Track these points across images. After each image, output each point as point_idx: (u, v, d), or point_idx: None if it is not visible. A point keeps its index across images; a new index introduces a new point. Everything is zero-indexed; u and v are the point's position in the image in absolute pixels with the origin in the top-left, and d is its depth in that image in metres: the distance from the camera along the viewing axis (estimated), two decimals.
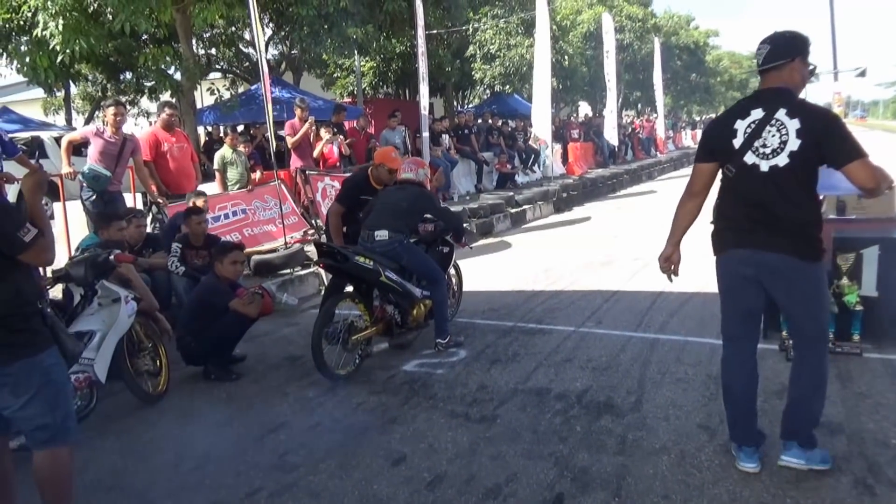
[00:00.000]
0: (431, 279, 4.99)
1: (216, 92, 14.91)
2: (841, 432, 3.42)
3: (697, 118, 43.33)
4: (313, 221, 8.86)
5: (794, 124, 2.75)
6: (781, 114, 2.78)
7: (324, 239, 7.64)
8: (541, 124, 14.98)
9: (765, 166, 2.80)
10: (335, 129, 10.93)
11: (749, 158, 2.85)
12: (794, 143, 2.74)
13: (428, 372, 4.60)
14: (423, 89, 11.52)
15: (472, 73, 20.60)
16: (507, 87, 20.54)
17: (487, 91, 23.03)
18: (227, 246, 5.10)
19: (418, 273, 5.02)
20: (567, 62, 20.64)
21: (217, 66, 17.45)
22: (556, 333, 5.29)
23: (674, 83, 33.35)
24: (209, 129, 16.60)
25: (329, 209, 5.70)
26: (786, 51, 2.88)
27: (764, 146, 2.81)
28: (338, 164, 10.50)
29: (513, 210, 11.76)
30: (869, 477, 3.01)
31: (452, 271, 5.75)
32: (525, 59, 19.63)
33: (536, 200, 12.62)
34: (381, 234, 4.81)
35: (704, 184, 3.03)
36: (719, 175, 3.02)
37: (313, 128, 9.74)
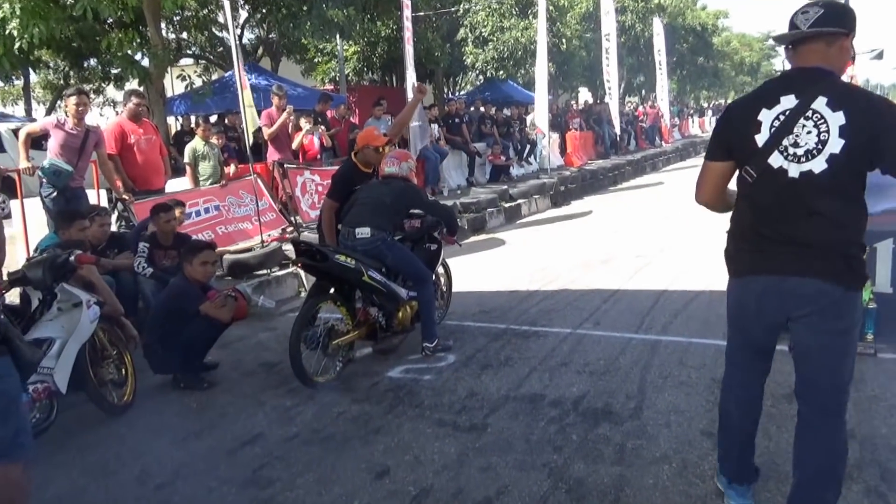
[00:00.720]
0: (418, 279, 4.99)
1: (187, 79, 14.85)
2: (853, 438, 3.42)
3: (705, 104, 43.57)
4: (292, 218, 8.86)
5: (836, 119, 2.28)
6: (821, 104, 2.31)
7: (303, 236, 7.67)
8: (538, 112, 15.01)
9: (794, 171, 2.35)
10: (318, 119, 10.93)
11: (775, 160, 2.38)
12: (835, 144, 2.27)
13: (414, 378, 4.61)
14: (411, 76, 11.50)
15: (464, 57, 20.66)
16: (501, 72, 20.61)
17: (480, 77, 23.08)
18: (196, 245, 5.09)
19: (403, 273, 5.03)
20: (564, 46, 20.69)
21: (188, 52, 17.40)
22: (552, 336, 5.31)
23: (680, 67, 33.51)
24: (179, 119, 16.54)
25: (322, 205, 5.70)
26: (843, 20, 2.38)
27: (795, 145, 2.35)
28: (319, 156, 10.51)
29: (507, 205, 11.79)
30: (882, 485, 3.04)
31: (441, 270, 5.76)
32: (520, 43, 19.69)
33: (532, 194, 12.64)
34: (363, 232, 4.81)
35: (714, 187, 2.61)
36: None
37: (292, 117, 9.71)
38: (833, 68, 2.39)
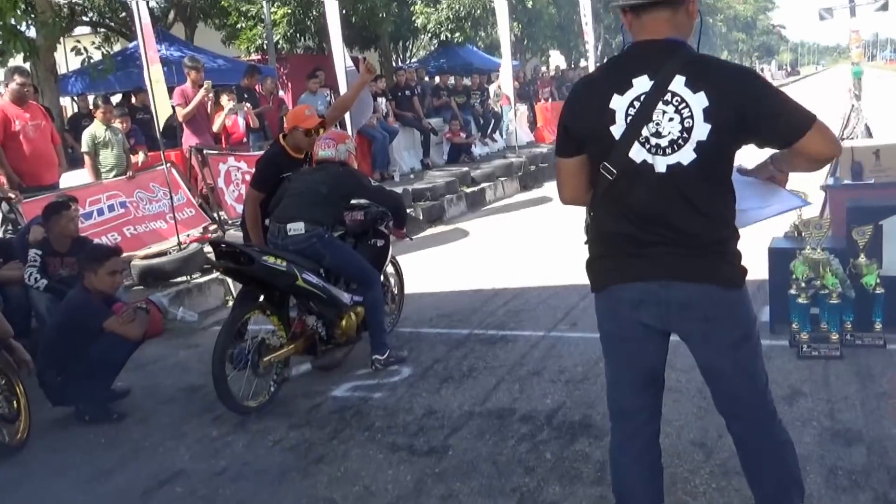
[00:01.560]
0: (363, 281, 5.01)
1: (83, 52, 14.51)
2: (860, 441, 3.59)
3: None
4: (215, 214, 8.78)
5: (699, 101, 2.27)
6: (679, 84, 2.28)
7: (230, 235, 7.61)
8: (503, 80, 15.07)
9: (661, 165, 2.33)
10: (243, 95, 10.82)
11: (637, 154, 2.35)
12: (701, 130, 2.27)
13: (362, 397, 4.64)
14: (335, 38, 11.19)
15: (413, 18, 20.61)
16: (458, 35, 20.61)
17: (434, 41, 23.08)
18: (100, 252, 5.01)
19: (346, 274, 5.05)
20: (531, 2, 20.82)
21: (84, 19, 17.03)
22: (522, 341, 5.39)
23: None
24: (75, 100, 16.19)
25: (245, 197, 5.67)
26: None
27: (657, 135, 2.32)
28: (245, 139, 10.42)
29: (468, 189, 11.86)
30: (891, 492, 3.17)
31: (391, 269, 5.79)
32: (479, 0, 19.74)
33: (498, 176, 12.74)
34: (296, 228, 4.81)
35: (577, 187, 2.57)
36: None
37: (211, 94, 9.62)
38: (682, 36, 2.38)
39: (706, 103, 2.26)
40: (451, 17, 20.25)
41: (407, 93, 13.99)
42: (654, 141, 2.33)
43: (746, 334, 2.47)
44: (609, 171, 2.39)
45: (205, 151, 9.14)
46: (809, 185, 5.46)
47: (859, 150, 5.54)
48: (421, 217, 10.09)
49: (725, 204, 2.41)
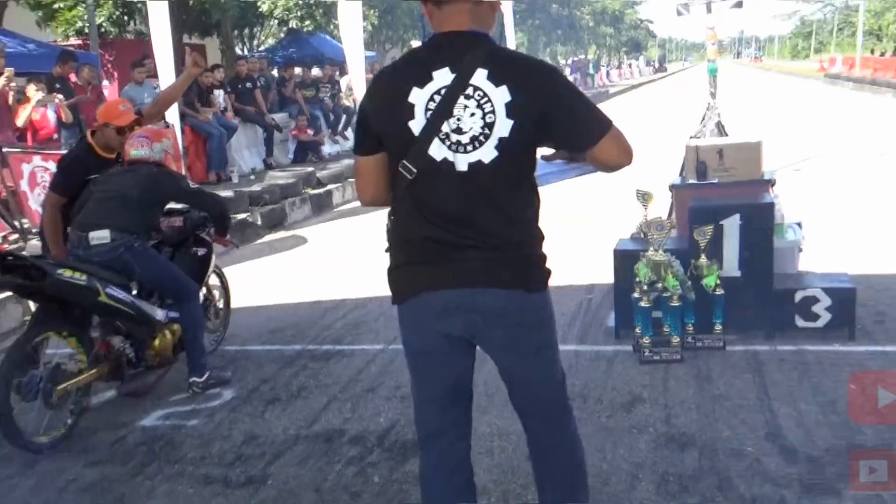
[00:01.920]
0: (179, 295, 4.88)
1: None
2: (692, 445, 3.82)
3: (563, 61, 46.03)
4: (16, 222, 8.35)
5: (501, 95, 2.32)
6: (481, 78, 2.33)
7: (32, 246, 7.21)
8: (353, 73, 15.02)
9: (462, 163, 2.36)
10: (56, 85, 10.38)
11: (437, 152, 2.37)
12: (504, 127, 2.32)
13: (175, 425, 4.52)
14: (158, 22, 10.79)
15: (258, 3, 20.32)
16: (307, 22, 20.49)
17: (283, 29, 22.83)
18: None
19: (160, 288, 4.89)
20: None
21: None
22: (359, 355, 5.41)
23: (531, 16, 35.10)
24: None
25: (44, 202, 5.45)
26: None
27: (458, 131, 2.34)
28: (55, 135, 10.04)
29: (313, 191, 11.83)
30: (718, 495, 3.39)
31: (215, 281, 5.68)
32: None
33: (347, 177, 12.63)
34: (100, 237, 4.61)
35: (377, 185, 2.57)
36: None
37: (13, 84, 9.21)
38: (485, 28, 2.43)
39: (509, 98, 2.31)
40: (301, 2, 20.10)
41: (248, 85, 13.78)
42: (454, 137, 2.35)
43: (549, 336, 2.60)
44: (409, 170, 2.39)
45: (4, 149, 8.67)
46: (658, 184, 5.81)
47: (704, 149, 5.85)
48: (259, 222, 9.96)
49: (529, 204, 2.47)
